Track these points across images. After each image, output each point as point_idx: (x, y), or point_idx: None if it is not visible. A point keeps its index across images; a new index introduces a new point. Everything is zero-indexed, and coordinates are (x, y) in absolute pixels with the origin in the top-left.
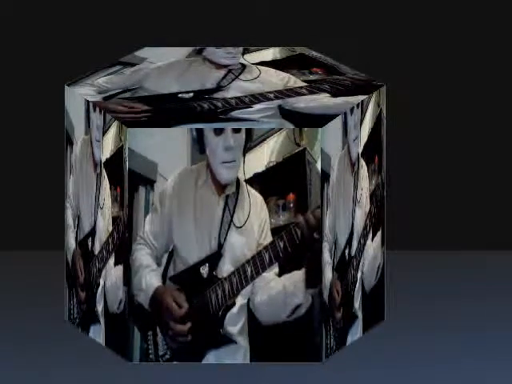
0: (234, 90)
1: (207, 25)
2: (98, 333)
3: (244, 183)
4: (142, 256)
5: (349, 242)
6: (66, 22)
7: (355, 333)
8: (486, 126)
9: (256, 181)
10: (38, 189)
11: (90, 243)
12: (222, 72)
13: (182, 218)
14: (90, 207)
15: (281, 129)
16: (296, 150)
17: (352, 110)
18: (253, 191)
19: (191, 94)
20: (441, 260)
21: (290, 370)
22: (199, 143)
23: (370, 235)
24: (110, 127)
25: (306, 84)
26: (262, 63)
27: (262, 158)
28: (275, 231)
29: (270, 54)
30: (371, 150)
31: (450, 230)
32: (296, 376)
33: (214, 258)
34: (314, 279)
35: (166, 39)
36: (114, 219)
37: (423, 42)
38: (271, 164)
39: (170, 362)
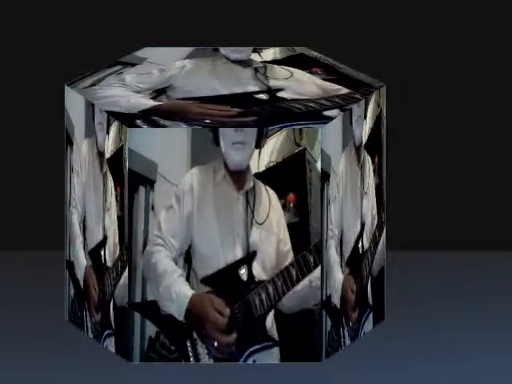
0: (290, 92)
1: (207, 25)
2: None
3: (259, 180)
4: (163, 259)
5: (360, 235)
6: (66, 21)
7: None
8: (485, 126)
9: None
10: (37, 189)
11: (102, 256)
12: (249, 71)
13: (201, 216)
14: (98, 211)
15: (281, 129)
16: (296, 150)
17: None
18: (268, 188)
19: (264, 95)
20: (441, 260)
21: (290, 370)
22: (213, 134)
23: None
24: (109, 127)
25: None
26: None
27: (262, 158)
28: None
29: (270, 53)
30: (371, 150)
31: (450, 230)
32: (296, 376)
33: (246, 259)
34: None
35: (165, 39)
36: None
37: (423, 43)
38: (271, 164)
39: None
